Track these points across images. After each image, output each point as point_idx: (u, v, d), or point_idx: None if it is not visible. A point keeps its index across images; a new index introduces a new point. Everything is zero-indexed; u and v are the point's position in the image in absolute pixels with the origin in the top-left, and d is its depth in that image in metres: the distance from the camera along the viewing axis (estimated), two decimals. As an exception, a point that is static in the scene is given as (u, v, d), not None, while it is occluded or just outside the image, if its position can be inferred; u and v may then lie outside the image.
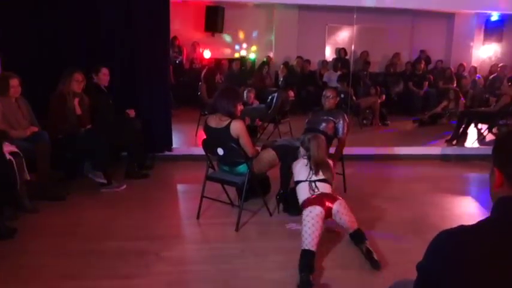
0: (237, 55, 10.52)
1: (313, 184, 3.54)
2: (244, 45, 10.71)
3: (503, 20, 9.53)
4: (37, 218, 4.07)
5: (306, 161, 3.68)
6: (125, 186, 4.94)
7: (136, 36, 5.66)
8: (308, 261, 3.10)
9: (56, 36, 5.44)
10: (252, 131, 7.03)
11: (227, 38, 10.42)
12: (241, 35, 10.69)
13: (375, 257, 3.33)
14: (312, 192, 3.50)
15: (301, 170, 3.66)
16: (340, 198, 3.51)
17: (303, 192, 3.55)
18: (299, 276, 3.03)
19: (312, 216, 3.27)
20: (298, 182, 3.64)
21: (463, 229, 1.31)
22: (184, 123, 7.46)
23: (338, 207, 3.40)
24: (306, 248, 3.16)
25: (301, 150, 3.81)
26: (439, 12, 8.79)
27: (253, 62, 10.43)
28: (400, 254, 3.49)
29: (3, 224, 3.68)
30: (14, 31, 5.32)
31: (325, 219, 3.37)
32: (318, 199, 3.41)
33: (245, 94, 7.31)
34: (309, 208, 3.34)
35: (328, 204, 3.39)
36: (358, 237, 3.48)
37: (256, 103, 7.46)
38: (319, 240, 3.21)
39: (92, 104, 5.05)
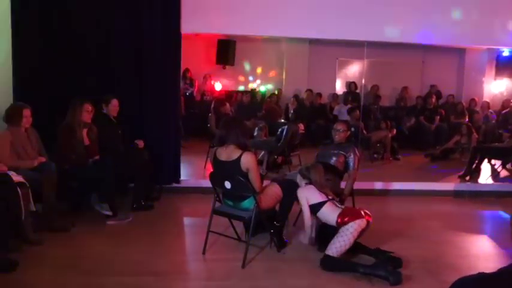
0: (241, 88, 10.58)
1: (335, 201, 3.91)
2: (256, 79, 10.80)
3: (515, 55, 9.50)
4: (40, 249, 3.99)
5: (312, 186, 3.94)
6: (131, 219, 4.86)
7: (147, 67, 5.71)
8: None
9: (67, 66, 5.50)
10: (274, 166, 7.02)
11: (246, 67, 10.54)
12: (252, 68, 10.79)
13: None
14: (340, 207, 3.84)
15: (314, 194, 3.90)
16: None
17: (330, 210, 3.82)
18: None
19: (356, 228, 3.68)
20: (317, 205, 3.85)
21: (482, 277, 1.22)
22: (193, 155, 7.43)
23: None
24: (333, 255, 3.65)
25: (299, 178, 4.07)
26: (450, 47, 8.80)
27: (264, 94, 10.48)
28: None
29: (6, 257, 3.61)
30: (27, 60, 5.40)
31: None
32: (355, 211, 3.85)
33: (256, 132, 7.28)
34: (357, 221, 3.70)
35: (366, 216, 3.80)
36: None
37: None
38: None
39: (101, 135, 5.04)
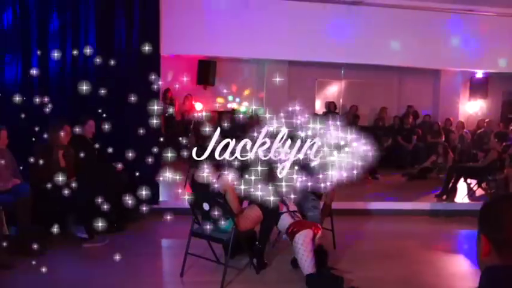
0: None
1: (292, 214, 4.00)
2: (236, 99, 10.86)
3: (487, 77, 9.81)
4: (14, 274, 3.89)
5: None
6: (107, 241, 4.78)
7: (125, 88, 5.68)
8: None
9: (43, 88, 5.45)
10: None
11: (227, 87, 10.61)
12: (233, 89, 10.86)
13: None
14: (294, 219, 3.93)
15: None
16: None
17: (286, 221, 3.92)
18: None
19: (304, 239, 3.71)
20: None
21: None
22: (173, 175, 7.36)
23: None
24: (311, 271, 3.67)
25: None
26: (425, 69, 9.04)
27: (244, 114, 10.52)
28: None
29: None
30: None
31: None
32: (304, 223, 3.91)
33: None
34: (302, 232, 3.75)
35: (315, 228, 3.86)
36: None
37: None
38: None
39: (77, 156, 4.98)
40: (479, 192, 7.52)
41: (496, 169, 7.07)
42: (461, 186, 7.48)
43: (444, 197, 7.09)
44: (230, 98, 10.84)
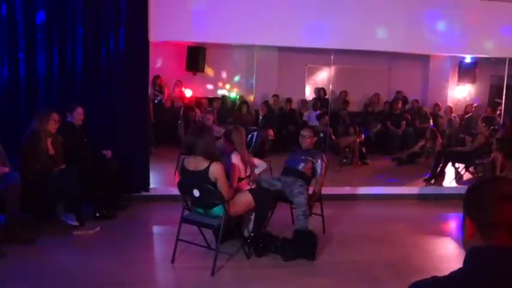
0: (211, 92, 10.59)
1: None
2: (226, 85, 10.81)
3: (476, 62, 9.85)
4: (3, 261, 3.88)
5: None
6: (98, 229, 4.78)
7: (114, 75, 5.64)
8: None
9: (31, 74, 5.39)
10: None
11: (216, 73, 10.54)
12: (222, 75, 10.80)
13: None
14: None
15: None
16: None
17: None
18: None
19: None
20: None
21: (435, 281, 1.28)
22: (163, 162, 7.37)
23: None
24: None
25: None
26: (415, 54, 9.06)
27: (234, 100, 10.50)
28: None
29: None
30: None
31: None
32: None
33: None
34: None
35: None
36: None
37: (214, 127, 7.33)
38: None
39: (66, 144, 4.94)
40: (467, 176, 7.62)
41: (483, 153, 7.17)
42: (450, 171, 7.58)
43: (432, 181, 7.17)
44: (220, 84, 10.79)
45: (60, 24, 5.42)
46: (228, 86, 10.81)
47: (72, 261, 4.00)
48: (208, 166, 3.77)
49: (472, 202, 1.33)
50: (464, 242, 1.35)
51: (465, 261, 1.28)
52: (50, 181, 4.64)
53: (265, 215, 4.23)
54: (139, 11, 5.57)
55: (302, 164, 4.68)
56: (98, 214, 5.06)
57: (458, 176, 7.57)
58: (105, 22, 5.53)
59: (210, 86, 10.69)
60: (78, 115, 5.18)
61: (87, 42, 5.53)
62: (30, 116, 4.76)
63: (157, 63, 9.73)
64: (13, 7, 5.28)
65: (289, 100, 10.09)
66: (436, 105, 10.30)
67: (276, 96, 10.10)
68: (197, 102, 9.72)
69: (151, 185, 6.07)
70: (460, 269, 1.28)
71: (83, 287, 3.51)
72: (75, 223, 4.67)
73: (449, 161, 7.45)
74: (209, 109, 7.49)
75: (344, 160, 8.63)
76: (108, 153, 5.40)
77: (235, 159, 4.33)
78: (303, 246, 4.09)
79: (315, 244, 4.16)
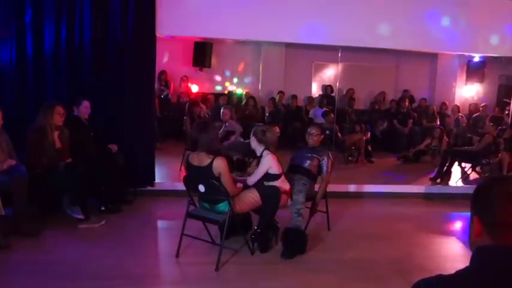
0: (218, 88, 10.58)
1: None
2: (232, 81, 10.80)
3: (484, 61, 9.77)
4: (9, 254, 3.91)
5: (275, 156, 4.27)
6: (103, 222, 4.80)
7: (120, 70, 5.65)
8: None
9: (38, 68, 5.41)
10: (241, 164, 6.97)
11: (223, 69, 10.53)
12: (228, 71, 10.79)
13: None
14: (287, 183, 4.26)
15: (276, 165, 4.22)
16: None
17: (280, 184, 4.20)
18: None
19: None
20: (273, 176, 4.20)
21: (441, 279, 1.27)
22: (169, 157, 7.38)
23: None
24: None
25: (254, 143, 4.36)
26: (423, 52, 9.00)
27: (240, 97, 10.49)
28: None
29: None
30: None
31: None
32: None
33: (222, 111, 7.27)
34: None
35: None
36: None
37: (231, 122, 7.35)
38: None
39: (72, 137, 4.96)
40: (473, 176, 7.57)
41: (490, 153, 7.11)
42: (456, 170, 7.54)
43: (438, 180, 7.13)
44: (226, 80, 10.79)
45: (68, 16, 5.43)
46: (235, 81, 10.80)
47: (77, 254, 4.02)
48: (212, 161, 3.77)
49: (480, 201, 1.32)
50: (471, 241, 1.34)
51: (472, 260, 1.28)
52: (56, 175, 4.66)
53: (273, 213, 4.20)
54: (147, 5, 5.57)
55: (308, 162, 4.67)
56: (103, 208, 5.08)
57: (464, 176, 7.53)
58: (113, 17, 5.53)
59: (217, 80, 10.67)
60: (84, 109, 5.19)
61: (94, 36, 5.53)
62: (36, 110, 4.78)
63: (164, 58, 9.74)
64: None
65: (294, 97, 10.07)
66: (444, 104, 10.24)
67: (281, 92, 10.08)
68: (203, 97, 9.72)
69: (157, 180, 6.08)
70: (466, 268, 1.27)
71: (87, 279, 3.52)
72: (81, 216, 4.68)
73: (455, 161, 7.40)
74: (227, 105, 7.55)
75: (350, 158, 8.61)
76: (114, 147, 5.42)
77: (272, 158, 4.20)
78: (291, 244, 4.08)
79: (304, 244, 4.16)
